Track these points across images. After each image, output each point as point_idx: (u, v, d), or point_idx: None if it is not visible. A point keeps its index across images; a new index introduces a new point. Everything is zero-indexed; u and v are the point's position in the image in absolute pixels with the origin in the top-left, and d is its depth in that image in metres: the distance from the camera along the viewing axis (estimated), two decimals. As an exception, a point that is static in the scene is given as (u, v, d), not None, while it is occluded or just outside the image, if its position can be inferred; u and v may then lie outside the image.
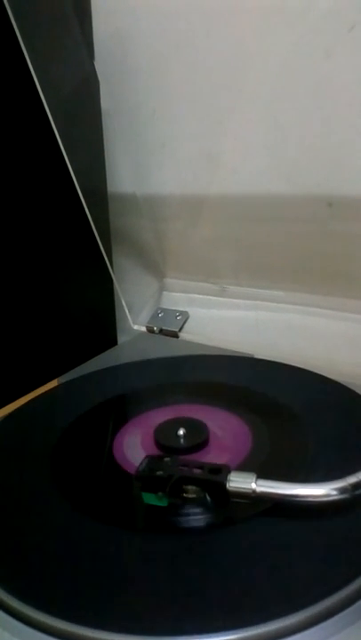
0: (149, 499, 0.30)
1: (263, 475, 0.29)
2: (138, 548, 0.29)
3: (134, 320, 0.65)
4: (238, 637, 0.23)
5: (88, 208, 0.54)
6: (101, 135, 0.56)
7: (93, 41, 0.53)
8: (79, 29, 0.51)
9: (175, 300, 0.65)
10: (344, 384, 0.43)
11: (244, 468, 0.32)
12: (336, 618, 0.24)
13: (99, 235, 0.57)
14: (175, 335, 0.62)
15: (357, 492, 0.27)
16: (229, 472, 0.29)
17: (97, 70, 0.54)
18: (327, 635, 0.24)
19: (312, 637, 0.24)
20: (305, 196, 0.49)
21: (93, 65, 0.54)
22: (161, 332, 0.63)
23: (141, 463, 0.31)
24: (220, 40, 0.49)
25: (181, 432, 0.37)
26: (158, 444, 0.37)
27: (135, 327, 0.65)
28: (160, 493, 0.29)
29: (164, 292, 0.66)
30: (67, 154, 0.51)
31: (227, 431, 0.38)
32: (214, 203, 0.56)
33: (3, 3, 0.42)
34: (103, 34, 0.53)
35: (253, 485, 0.28)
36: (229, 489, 0.29)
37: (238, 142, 0.51)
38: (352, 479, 0.27)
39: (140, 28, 0.52)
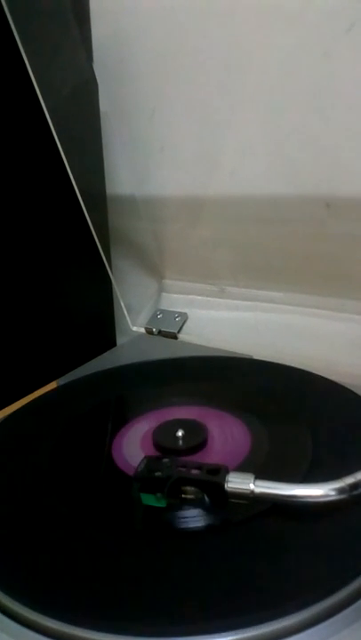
0: (148, 500, 0.30)
1: (262, 476, 0.29)
2: (136, 549, 0.29)
3: (133, 321, 0.65)
4: (237, 638, 0.23)
5: (87, 210, 0.54)
6: (100, 137, 0.56)
7: (92, 43, 0.53)
8: (78, 31, 0.51)
9: (174, 301, 0.65)
10: (343, 385, 0.43)
11: (242, 469, 0.32)
12: (335, 618, 0.24)
13: (97, 236, 0.57)
14: (174, 336, 0.62)
15: (355, 493, 0.27)
16: (228, 473, 0.29)
17: (95, 72, 0.54)
18: (326, 635, 0.24)
19: (311, 638, 0.24)
20: (303, 196, 0.49)
21: (92, 67, 0.54)
22: (160, 333, 0.63)
23: (140, 464, 0.31)
24: (218, 42, 0.49)
25: (180, 433, 0.37)
26: (157, 445, 0.37)
27: (134, 328, 0.64)
28: (159, 494, 0.29)
29: (163, 294, 0.66)
30: (65, 156, 0.51)
31: (225, 432, 0.38)
32: (213, 204, 0.56)
33: (1, 4, 0.42)
34: (102, 36, 0.53)
35: (252, 486, 0.28)
36: (228, 489, 0.29)
37: (237, 144, 0.51)
38: (350, 479, 0.28)
39: (138, 30, 0.52)
